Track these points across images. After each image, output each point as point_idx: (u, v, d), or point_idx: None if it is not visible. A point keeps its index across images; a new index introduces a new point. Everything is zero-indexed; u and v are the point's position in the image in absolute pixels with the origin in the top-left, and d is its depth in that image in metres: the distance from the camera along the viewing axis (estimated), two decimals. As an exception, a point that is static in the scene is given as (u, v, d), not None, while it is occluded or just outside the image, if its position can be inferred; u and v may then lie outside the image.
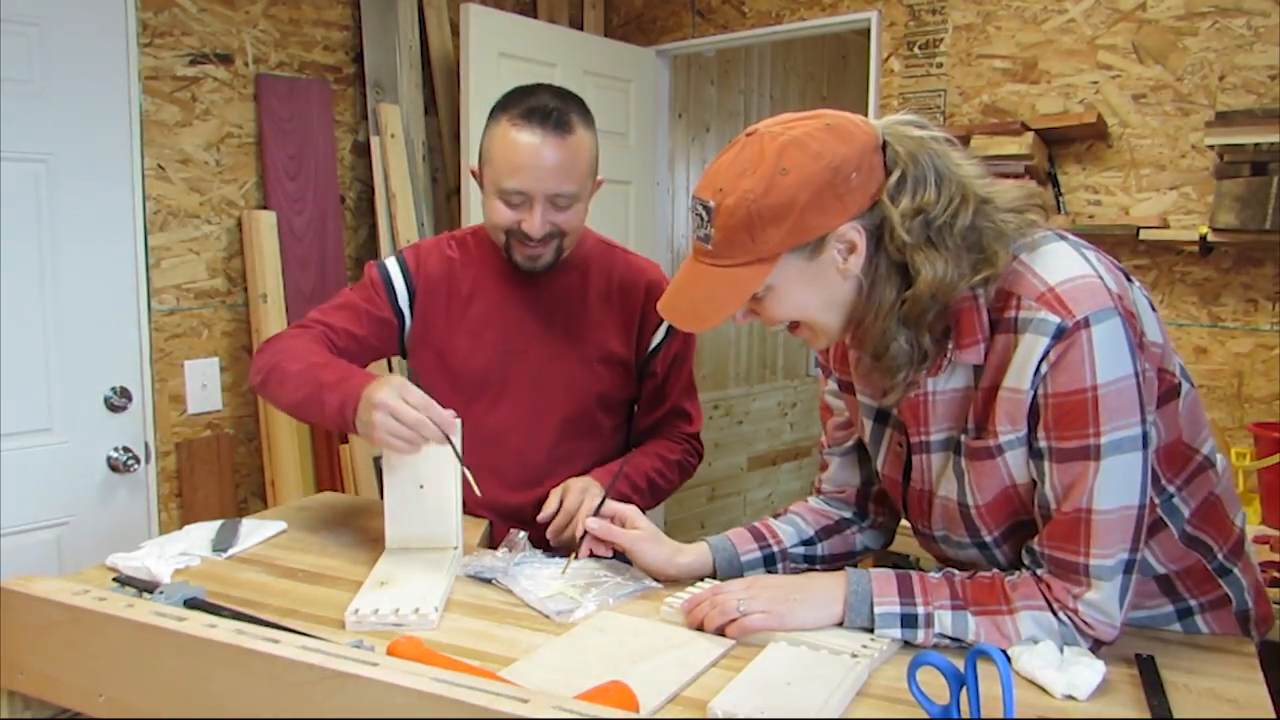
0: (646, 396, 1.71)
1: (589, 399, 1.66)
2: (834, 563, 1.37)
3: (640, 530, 1.34)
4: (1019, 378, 1.05)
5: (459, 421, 1.36)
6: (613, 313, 1.66)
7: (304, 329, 1.59)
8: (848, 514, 1.38)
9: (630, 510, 1.36)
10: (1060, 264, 1.05)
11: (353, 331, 1.60)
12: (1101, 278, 1.04)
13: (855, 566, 1.24)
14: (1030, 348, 1.03)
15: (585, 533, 1.35)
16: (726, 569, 1.32)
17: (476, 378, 1.61)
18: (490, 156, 1.53)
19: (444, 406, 1.36)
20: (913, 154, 1.06)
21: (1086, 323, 1.01)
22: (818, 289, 1.10)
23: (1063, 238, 1.10)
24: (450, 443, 1.35)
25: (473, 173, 1.62)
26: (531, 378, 1.63)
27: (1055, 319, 1.01)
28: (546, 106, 1.49)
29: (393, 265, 1.65)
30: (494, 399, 1.60)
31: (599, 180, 1.62)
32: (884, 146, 1.07)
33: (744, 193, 1.04)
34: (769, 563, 1.33)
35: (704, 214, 1.07)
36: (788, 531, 1.36)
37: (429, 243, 1.71)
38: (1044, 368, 1.03)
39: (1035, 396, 1.05)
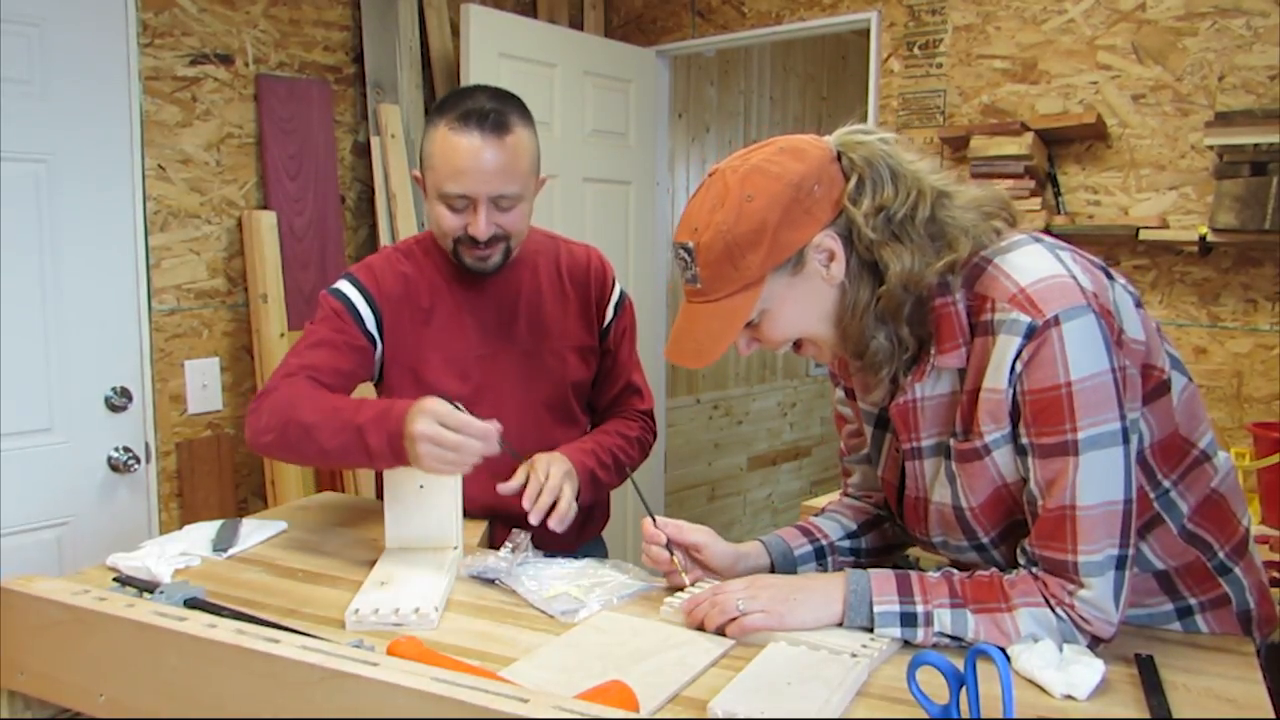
0: (603, 374, 1.74)
1: (565, 389, 1.68)
2: (877, 557, 1.38)
3: (703, 530, 1.33)
4: (996, 378, 1.07)
5: (498, 425, 1.35)
6: (570, 301, 1.68)
7: (290, 377, 1.51)
8: (882, 511, 1.39)
9: (680, 521, 1.35)
10: (1032, 265, 1.08)
11: (338, 367, 1.54)
12: (1075, 277, 1.06)
13: (904, 558, 1.23)
14: (1004, 348, 1.05)
15: (668, 541, 1.30)
16: (782, 563, 1.32)
17: (453, 388, 1.59)
18: (431, 162, 1.52)
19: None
20: (867, 158, 1.11)
21: (1057, 321, 1.03)
22: (808, 303, 1.13)
23: (1037, 239, 1.13)
24: (506, 446, 1.36)
25: (415, 178, 1.60)
26: (507, 379, 1.63)
27: (1026, 319, 1.04)
28: (484, 108, 1.48)
29: (351, 290, 1.59)
30: (474, 404, 1.54)
31: (542, 179, 1.61)
32: (839, 157, 1.12)
33: (717, 226, 1.09)
34: (819, 556, 1.34)
35: (686, 256, 1.12)
36: (832, 527, 1.37)
37: (378, 260, 1.65)
38: (1018, 366, 1.05)
39: (1014, 395, 1.07)
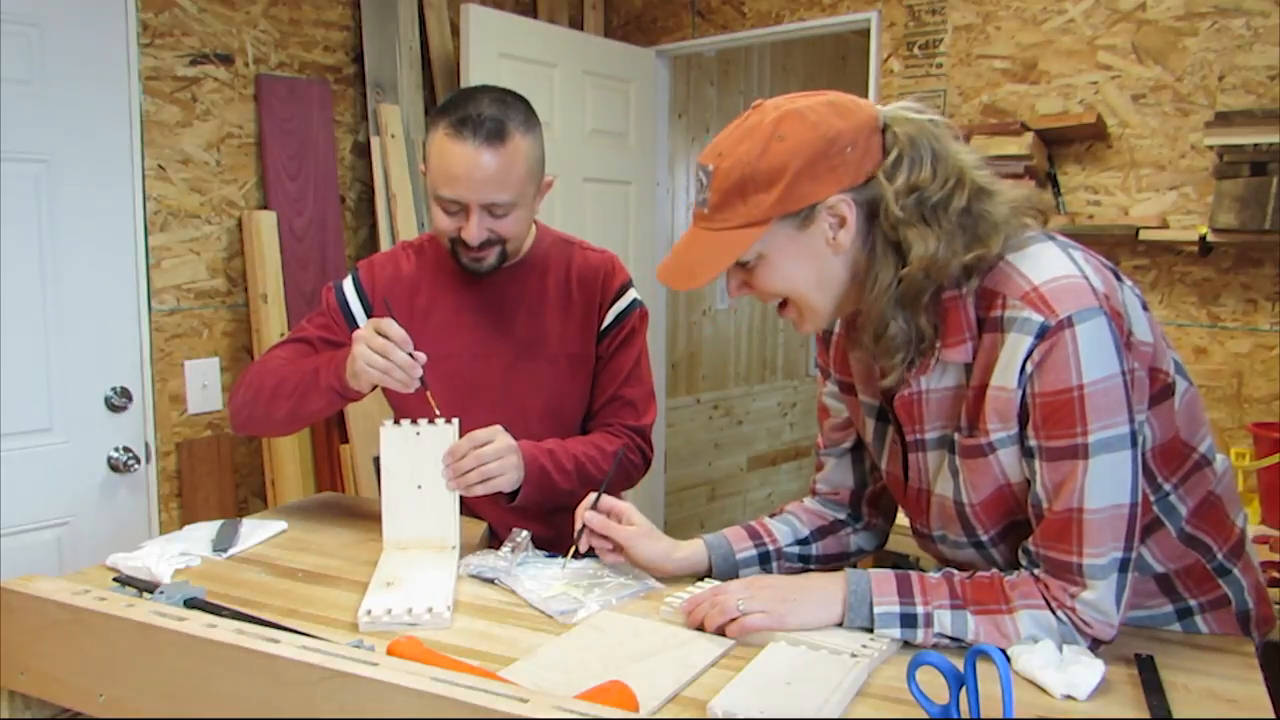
0: (595, 382, 1.69)
1: (564, 397, 1.65)
2: (828, 563, 1.37)
3: (636, 526, 1.34)
4: (1005, 376, 1.06)
5: (424, 358, 1.44)
6: (574, 307, 1.65)
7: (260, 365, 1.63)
8: (842, 515, 1.39)
9: (625, 506, 1.36)
10: (1046, 264, 1.07)
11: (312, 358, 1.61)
12: (1087, 278, 1.05)
13: (853, 566, 1.23)
14: (1015, 347, 1.05)
15: (584, 526, 1.34)
16: (722, 565, 1.32)
17: (446, 385, 1.58)
18: (429, 163, 1.52)
19: (416, 418, 1.44)
20: (912, 137, 1.09)
21: (1070, 322, 1.02)
22: (808, 262, 1.11)
23: (1051, 238, 1.12)
24: (426, 386, 1.44)
25: (422, 171, 1.60)
26: (500, 380, 1.62)
27: (1039, 318, 1.03)
28: (480, 115, 1.47)
29: (349, 287, 1.66)
30: (466, 405, 1.56)
31: (548, 180, 1.59)
32: (884, 129, 1.10)
33: (740, 156, 1.08)
34: (764, 561, 1.34)
35: (704, 178, 1.11)
36: (783, 531, 1.36)
37: (383, 255, 1.70)
38: (1029, 367, 1.04)
39: (1024, 395, 1.06)
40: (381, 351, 1.40)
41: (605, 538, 1.34)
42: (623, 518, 1.35)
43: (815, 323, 1.17)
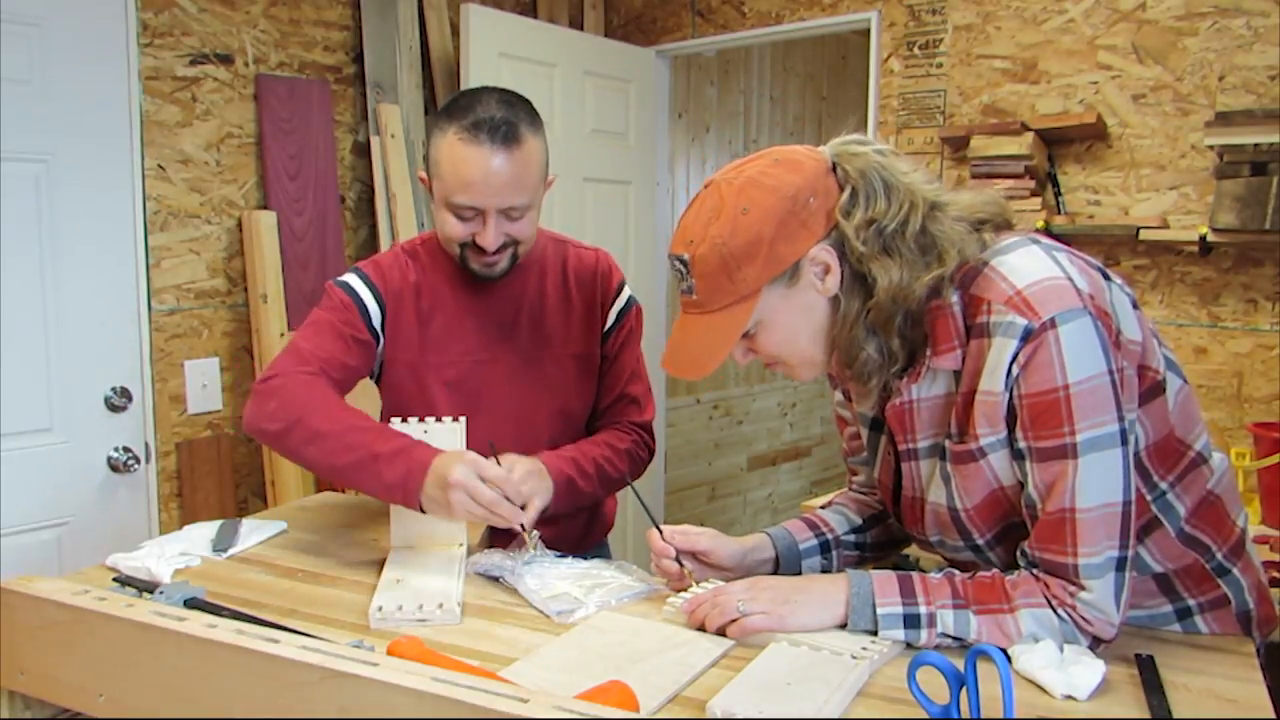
0: (602, 381, 1.68)
1: (565, 397, 1.64)
2: (880, 551, 1.39)
3: (707, 531, 1.34)
4: (992, 380, 1.07)
5: (530, 515, 1.37)
6: (574, 308, 1.65)
7: (302, 364, 1.49)
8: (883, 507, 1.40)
9: (686, 526, 1.36)
10: (1028, 267, 1.08)
11: (345, 362, 1.53)
12: (1071, 279, 1.06)
13: (903, 558, 1.23)
14: (1000, 350, 1.05)
15: (676, 554, 1.30)
16: (788, 556, 1.33)
17: (451, 391, 1.58)
18: (439, 170, 1.48)
19: (411, 416, 1.42)
20: (861, 170, 1.11)
21: (1053, 323, 1.03)
22: (803, 315, 1.14)
23: (1035, 241, 1.13)
24: (524, 527, 1.36)
25: (421, 179, 1.57)
26: (505, 384, 1.61)
27: (1022, 321, 1.04)
28: (494, 118, 1.44)
29: (359, 284, 1.57)
30: (472, 410, 1.54)
31: (550, 179, 1.58)
32: (834, 168, 1.12)
33: (713, 239, 1.09)
34: (824, 550, 1.35)
35: (682, 268, 1.13)
36: (838, 520, 1.38)
37: (386, 258, 1.64)
38: (1015, 369, 1.05)
39: (1011, 398, 1.07)
40: (489, 506, 1.32)
41: (685, 552, 1.31)
42: (689, 534, 1.34)
43: (814, 370, 1.19)
